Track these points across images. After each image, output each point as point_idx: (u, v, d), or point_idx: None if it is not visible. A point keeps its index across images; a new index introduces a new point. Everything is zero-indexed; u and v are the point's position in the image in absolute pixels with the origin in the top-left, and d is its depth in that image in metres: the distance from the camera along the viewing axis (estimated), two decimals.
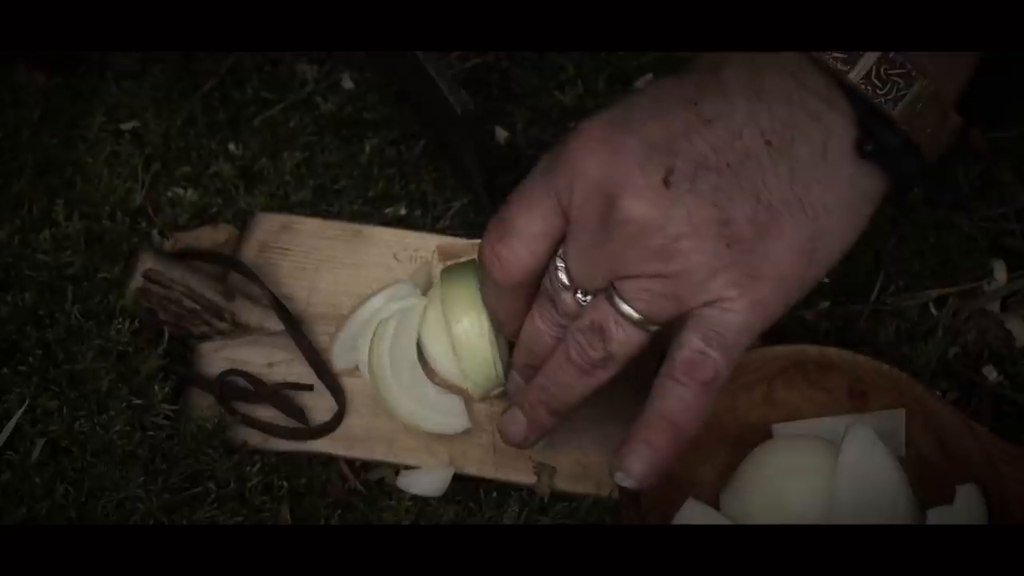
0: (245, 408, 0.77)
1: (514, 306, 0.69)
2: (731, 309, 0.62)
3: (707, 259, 0.62)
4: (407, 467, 0.77)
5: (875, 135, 0.62)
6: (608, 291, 0.64)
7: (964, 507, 0.68)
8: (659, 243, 0.62)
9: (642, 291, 0.63)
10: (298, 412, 0.77)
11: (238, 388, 0.78)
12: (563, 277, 0.65)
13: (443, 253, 0.81)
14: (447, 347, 0.76)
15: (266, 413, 0.77)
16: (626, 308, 0.63)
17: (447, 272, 0.78)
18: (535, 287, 0.67)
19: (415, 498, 0.76)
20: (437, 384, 0.78)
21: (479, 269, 0.69)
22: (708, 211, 0.62)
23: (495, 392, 0.78)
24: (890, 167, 0.63)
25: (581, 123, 0.64)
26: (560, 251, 0.65)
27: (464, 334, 0.75)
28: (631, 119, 0.63)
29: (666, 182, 0.61)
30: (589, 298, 0.65)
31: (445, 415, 0.77)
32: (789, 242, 0.63)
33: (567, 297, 0.65)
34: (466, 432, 0.77)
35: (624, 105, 0.64)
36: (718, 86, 0.63)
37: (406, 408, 0.77)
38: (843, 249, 0.64)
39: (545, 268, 0.66)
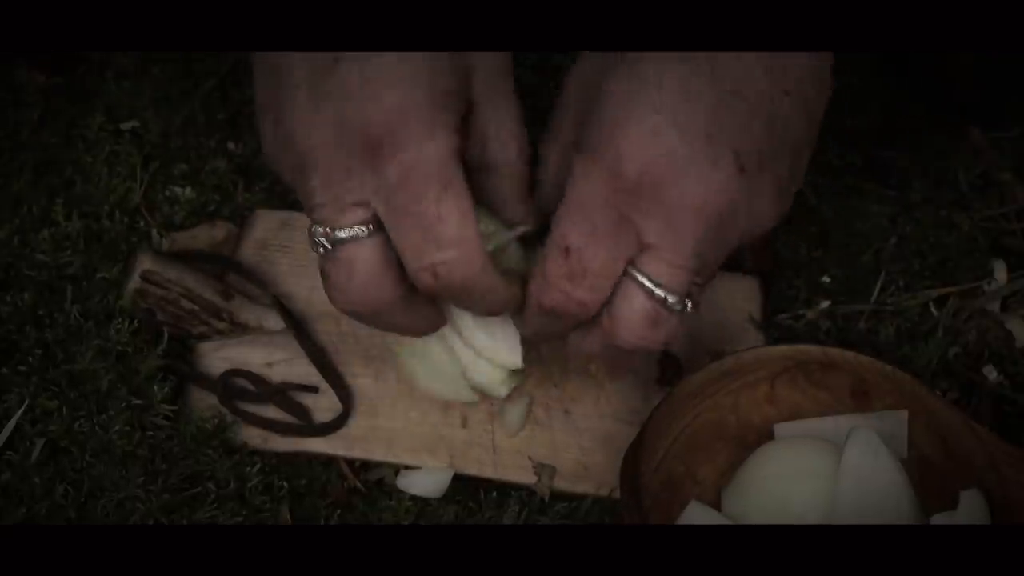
0: (248, 407, 0.77)
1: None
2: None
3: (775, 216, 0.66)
4: (407, 467, 0.77)
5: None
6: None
7: (967, 513, 0.68)
8: (755, 232, 0.66)
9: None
10: (302, 411, 0.77)
11: (240, 388, 0.78)
12: (670, 298, 0.65)
13: None
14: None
15: (268, 413, 0.77)
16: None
17: None
18: None
19: (415, 498, 0.76)
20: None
21: (539, 314, 0.68)
22: (775, 183, 0.65)
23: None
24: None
25: (615, 139, 0.63)
26: (647, 273, 0.65)
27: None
28: (667, 119, 0.63)
29: (741, 170, 0.63)
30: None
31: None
32: (804, 165, 0.68)
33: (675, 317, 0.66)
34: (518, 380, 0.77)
35: (647, 104, 0.63)
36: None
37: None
38: None
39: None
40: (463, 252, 0.64)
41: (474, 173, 0.67)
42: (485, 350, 0.73)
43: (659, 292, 0.65)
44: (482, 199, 0.68)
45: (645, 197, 0.63)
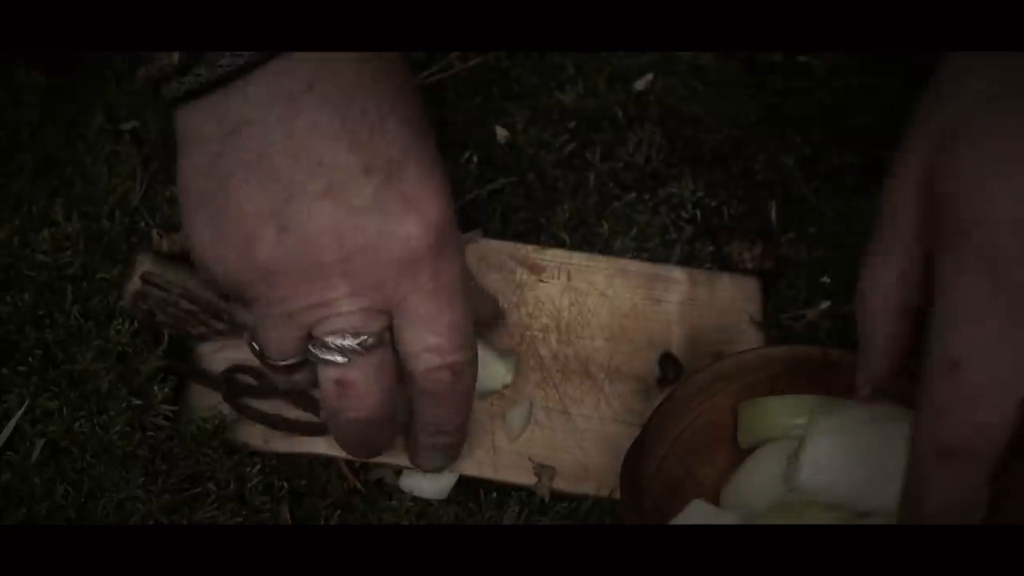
0: (253, 403, 0.77)
1: None
2: None
3: None
4: (408, 467, 0.77)
5: None
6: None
7: None
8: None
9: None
10: (312, 402, 0.76)
11: (244, 384, 0.78)
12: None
13: None
14: None
15: (272, 408, 0.77)
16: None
17: None
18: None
19: (415, 499, 0.76)
20: None
21: (936, 460, 0.57)
22: None
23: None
24: None
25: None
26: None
27: None
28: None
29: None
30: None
31: None
32: None
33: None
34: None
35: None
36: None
37: None
38: None
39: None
40: (474, 355, 0.68)
41: None
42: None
43: None
44: None
45: None
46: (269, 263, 0.63)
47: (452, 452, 0.73)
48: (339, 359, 0.65)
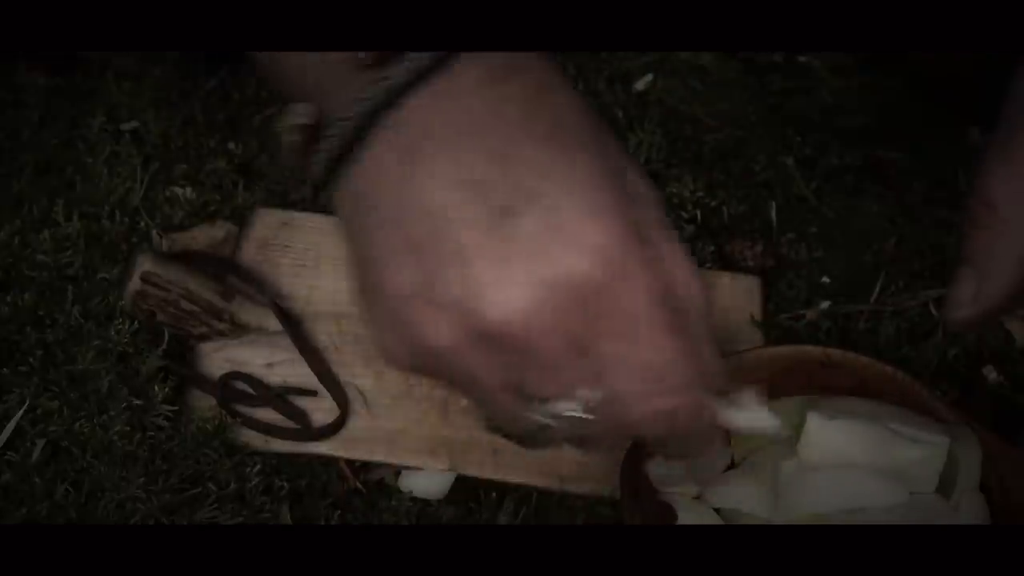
0: (246, 410, 0.77)
1: None
2: None
3: None
4: (407, 467, 0.77)
5: None
6: None
7: (967, 513, 0.68)
8: None
9: None
10: (300, 415, 0.77)
11: (239, 391, 0.78)
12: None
13: None
14: None
15: (267, 415, 0.77)
16: None
17: None
18: None
19: (415, 498, 0.76)
20: None
21: None
22: None
23: None
24: None
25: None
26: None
27: None
28: None
29: None
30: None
31: None
32: None
33: None
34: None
35: None
36: None
37: None
38: None
39: None
40: (692, 397, 0.57)
41: None
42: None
43: None
44: None
45: None
46: (443, 343, 0.55)
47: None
48: (563, 425, 0.57)
